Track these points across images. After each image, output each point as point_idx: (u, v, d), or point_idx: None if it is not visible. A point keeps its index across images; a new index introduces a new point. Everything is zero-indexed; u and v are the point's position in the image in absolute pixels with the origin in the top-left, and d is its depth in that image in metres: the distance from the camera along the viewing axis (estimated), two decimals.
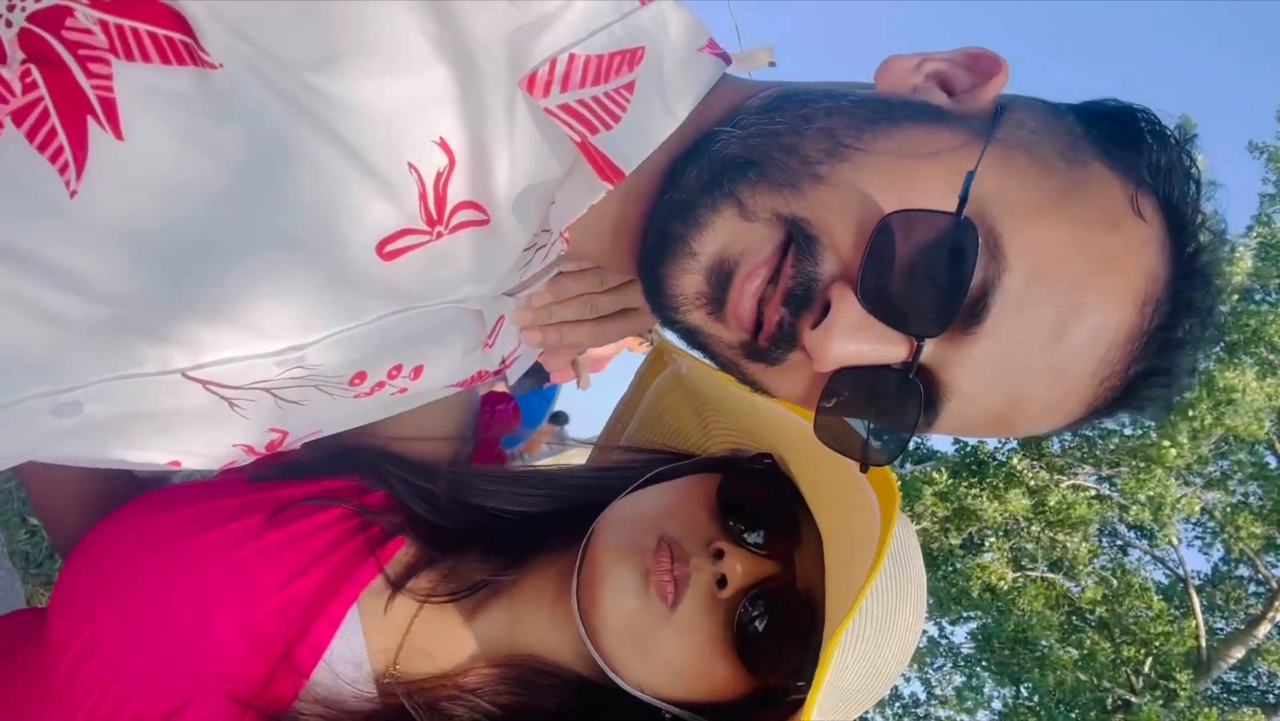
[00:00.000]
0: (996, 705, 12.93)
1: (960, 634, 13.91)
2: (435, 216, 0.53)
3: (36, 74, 0.40)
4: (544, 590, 0.87)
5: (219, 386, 0.56)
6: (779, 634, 0.78)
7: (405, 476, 0.87)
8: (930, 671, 14.16)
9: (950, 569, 13.14)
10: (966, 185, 0.52)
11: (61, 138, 0.41)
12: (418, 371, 0.66)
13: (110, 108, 0.41)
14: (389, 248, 0.52)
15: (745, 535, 0.79)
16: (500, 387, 1.32)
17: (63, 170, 0.42)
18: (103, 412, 0.55)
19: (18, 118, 0.40)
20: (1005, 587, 12.77)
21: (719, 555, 0.78)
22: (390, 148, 0.48)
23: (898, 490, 0.71)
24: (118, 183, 0.43)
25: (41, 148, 0.41)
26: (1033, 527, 12.68)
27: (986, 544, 13.33)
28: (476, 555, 0.86)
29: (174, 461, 0.62)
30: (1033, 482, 12.49)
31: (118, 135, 0.41)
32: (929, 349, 0.55)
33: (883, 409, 0.58)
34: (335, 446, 0.83)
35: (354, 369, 0.62)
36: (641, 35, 0.55)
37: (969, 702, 12.48)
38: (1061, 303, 0.54)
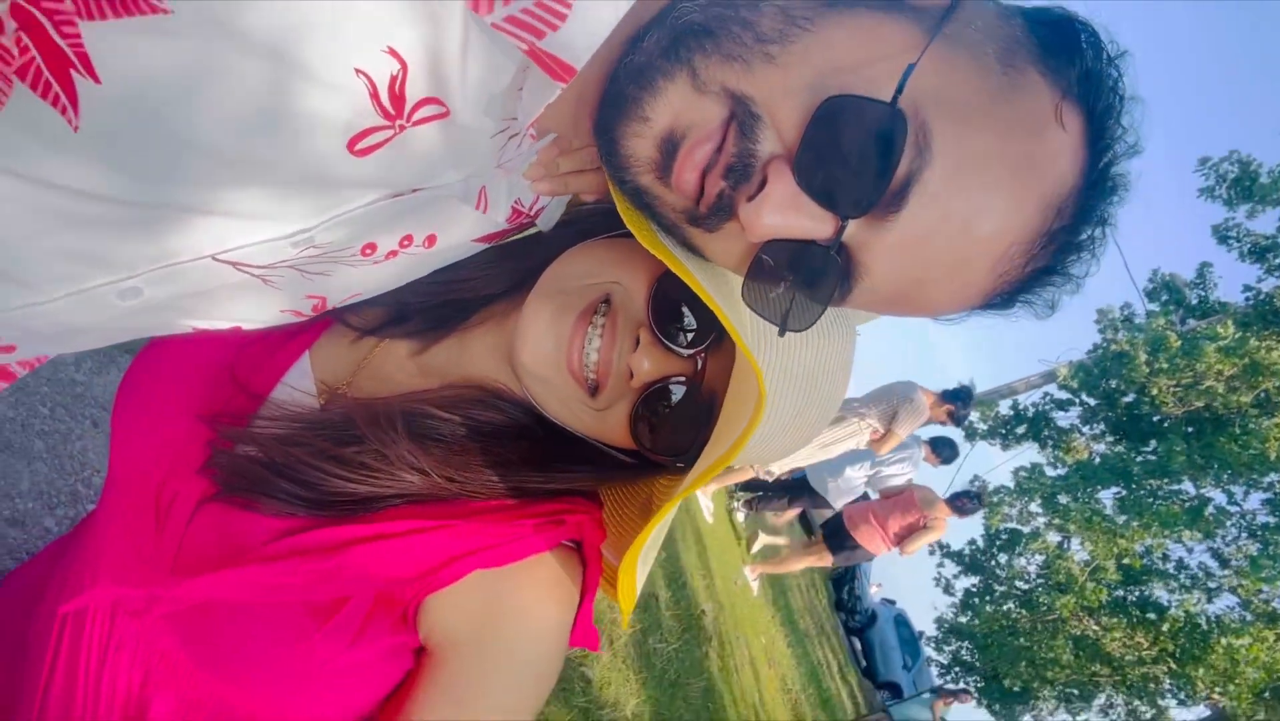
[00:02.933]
0: None
1: (1255, 500, 13.42)
2: (394, 111, 0.58)
3: (26, 39, 0.49)
4: (491, 329, 0.94)
5: (248, 266, 0.66)
6: (671, 424, 0.84)
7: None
8: (1220, 542, 13.82)
9: (1241, 430, 12.62)
10: (904, 78, 0.58)
11: (56, 87, 0.51)
12: (431, 240, 0.75)
13: (85, 60, 0.50)
14: (359, 145, 0.59)
15: (670, 329, 0.83)
16: None
17: (63, 112, 0.51)
18: (161, 294, 0.66)
19: (20, 74, 0.50)
20: None
21: (637, 343, 0.83)
22: (332, 58, 0.53)
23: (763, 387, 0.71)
24: (106, 115, 0.52)
25: (43, 96, 0.51)
26: None
27: None
28: (434, 310, 0.95)
29: (234, 326, 0.73)
30: None
31: (95, 80, 0.50)
32: (850, 229, 0.62)
33: (804, 280, 0.66)
34: None
35: (362, 241, 0.70)
36: None
37: (1265, 571, 12.09)
38: (974, 200, 0.60)
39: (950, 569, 16.63)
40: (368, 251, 0.71)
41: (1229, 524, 13.52)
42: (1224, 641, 12.41)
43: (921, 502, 7.31)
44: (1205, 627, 13.21)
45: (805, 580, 13.75)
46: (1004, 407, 15.88)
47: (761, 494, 8.56)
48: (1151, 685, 14.28)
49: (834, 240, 0.63)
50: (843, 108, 0.59)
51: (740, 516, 8.86)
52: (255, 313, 0.72)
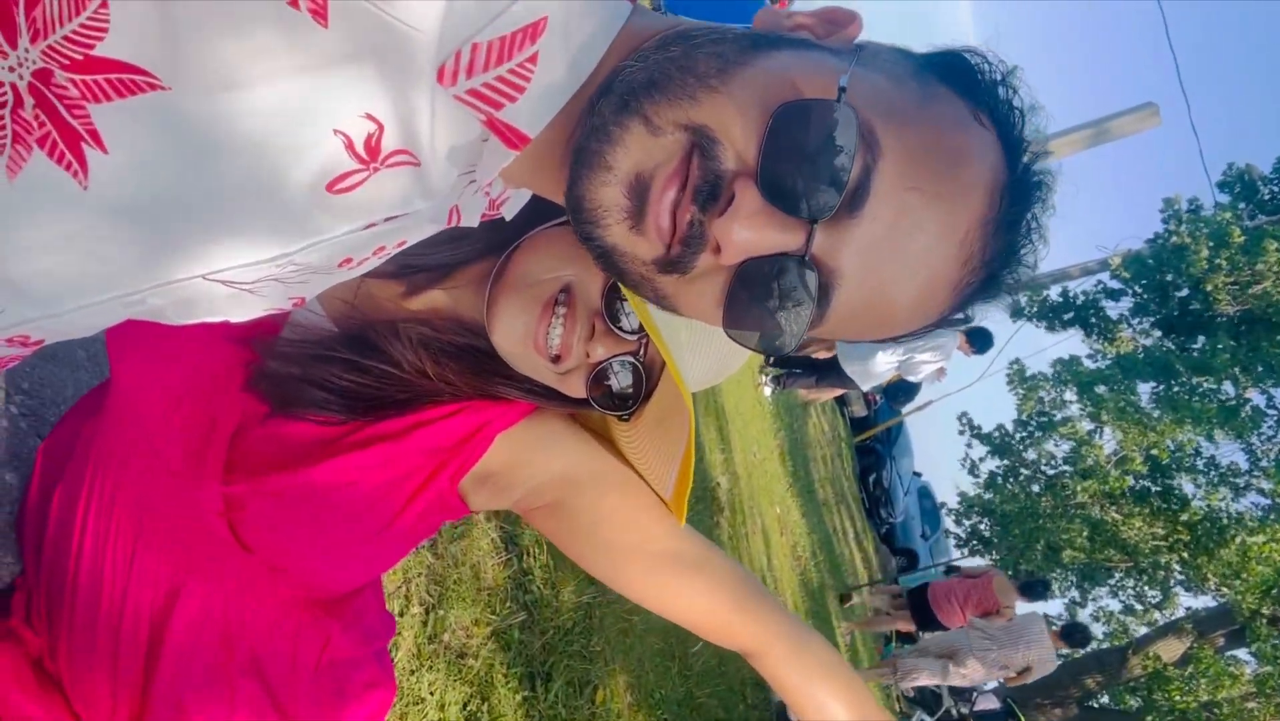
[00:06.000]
0: None
1: None
2: (368, 158, 0.63)
3: (43, 114, 0.57)
4: (468, 288, 1.07)
5: (236, 284, 0.71)
6: (618, 388, 1.01)
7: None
8: (1256, 440, 13.92)
9: None
10: (844, 82, 0.63)
11: (69, 156, 0.58)
12: (401, 244, 0.79)
13: (94, 135, 0.58)
14: (338, 186, 0.64)
15: (619, 318, 0.98)
16: None
17: (75, 175, 0.59)
18: (161, 303, 0.72)
19: (40, 144, 0.58)
20: None
21: (593, 329, 0.97)
22: (313, 123, 0.59)
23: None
24: (112, 178, 0.59)
25: (58, 162, 0.58)
26: None
27: None
28: (415, 271, 1.07)
29: (224, 320, 0.78)
30: None
31: (103, 150, 0.58)
32: (819, 236, 0.64)
33: (783, 298, 0.67)
34: None
35: (339, 258, 0.74)
36: (542, 8, 0.63)
37: None
38: (927, 188, 0.64)
39: (978, 450, 16.94)
40: (344, 264, 0.77)
41: (1265, 425, 13.57)
42: (1239, 538, 12.66)
43: (998, 591, 8.53)
44: (1224, 523, 13.42)
45: (832, 450, 14.19)
46: (1054, 292, 15.75)
47: (789, 371, 8.87)
48: (1162, 572, 14.73)
49: (804, 250, 0.65)
50: (795, 113, 0.62)
51: (767, 391, 9.21)
52: (243, 314, 0.78)
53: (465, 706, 2.57)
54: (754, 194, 0.63)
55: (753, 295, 0.68)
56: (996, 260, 0.70)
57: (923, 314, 0.72)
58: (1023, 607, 8.59)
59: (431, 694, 2.43)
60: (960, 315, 0.75)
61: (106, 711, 1.02)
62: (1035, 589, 9.12)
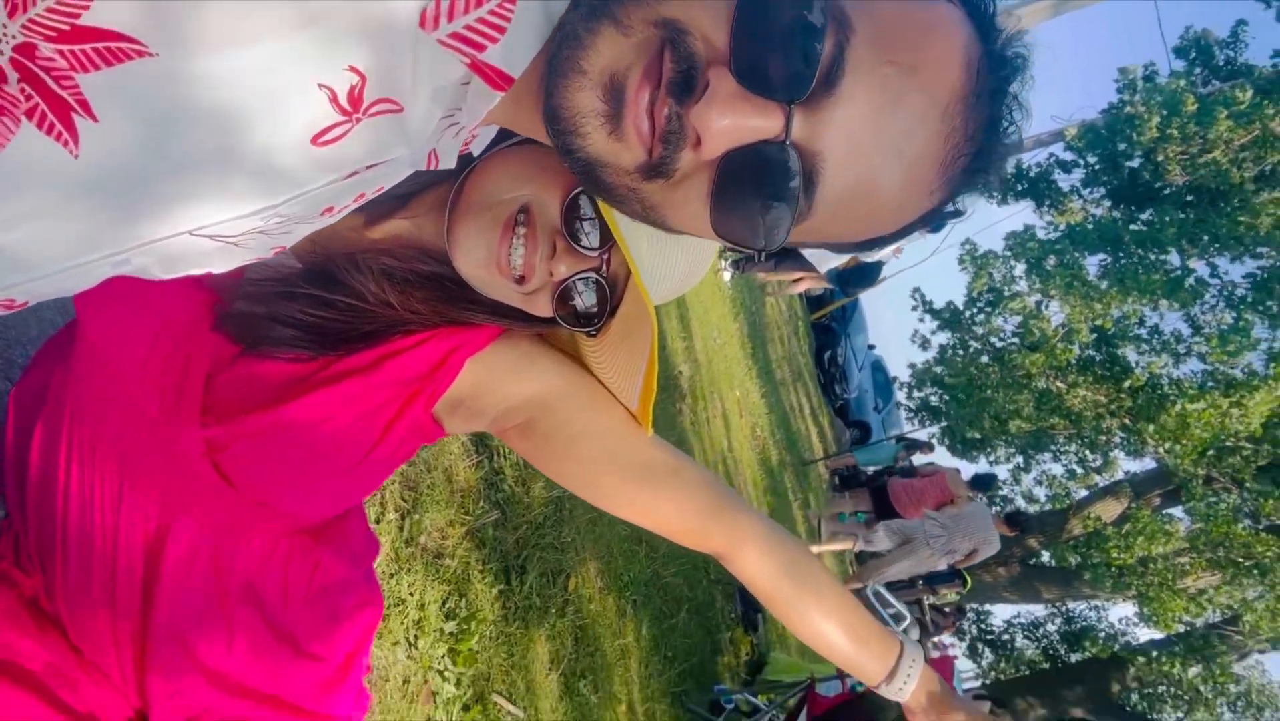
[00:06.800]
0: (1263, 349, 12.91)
1: (1236, 273, 13.62)
2: (350, 109, 0.63)
3: (30, 89, 0.56)
4: (427, 213, 1.07)
5: (221, 237, 0.72)
6: (584, 305, 1.01)
7: None
8: (1197, 310, 14.24)
9: (1235, 205, 12.63)
10: None
11: (59, 126, 0.58)
12: (380, 190, 0.79)
13: (84, 105, 0.57)
14: (321, 139, 0.64)
15: (579, 236, 0.98)
16: None
17: (65, 145, 0.59)
18: (146, 260, 0.72)
19: (29, 116, 0.57)
20: None
21: (554, 248, 0.97)
22: (298, 78, 0.59)
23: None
24: (102, 145, 0.59)
25: (48, 133, 0.58)
26: None
27: None
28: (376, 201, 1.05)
29: (207, 272, 0.78)
30: None
31: (93, 119, 0.58)
32: (799, 120, 0.63)
33: (767, 189, 0.66)
34: None
35: (322, 207, 0.75)
36: None
37: (1231, 346, 12.40)
38: (903, 61, 0.64)
39: (929, 325, 17.14)
40: (326, 213, 0.78)
41: (1207, 295, 13.85)
42: (1180, 404, 13.06)
43: (951, 484, 9.52)
44: (1165, 390, 13.80)
45: (789, 329, 14.36)
46: (1008, 164, 15.70)
47: (748, 255, 8.86)
48: (1103, 437, 15.27)
49: (784, 135, 0.64)
50: None
51: (727, 276, 9.23)
52: (226, 266, 0.79)
53: (444, 604, 2.65)
54: (728, 79, 0.63)
55: (738, 190, 0.68)
56: (980, 134, 0.69)
57: (913, 200, 0.71)
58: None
59: (411, 594, 2.51)
60: (951, 207, 0.75)
61: (109, 646, 1.05)
62: (984, 480, 10.04)
